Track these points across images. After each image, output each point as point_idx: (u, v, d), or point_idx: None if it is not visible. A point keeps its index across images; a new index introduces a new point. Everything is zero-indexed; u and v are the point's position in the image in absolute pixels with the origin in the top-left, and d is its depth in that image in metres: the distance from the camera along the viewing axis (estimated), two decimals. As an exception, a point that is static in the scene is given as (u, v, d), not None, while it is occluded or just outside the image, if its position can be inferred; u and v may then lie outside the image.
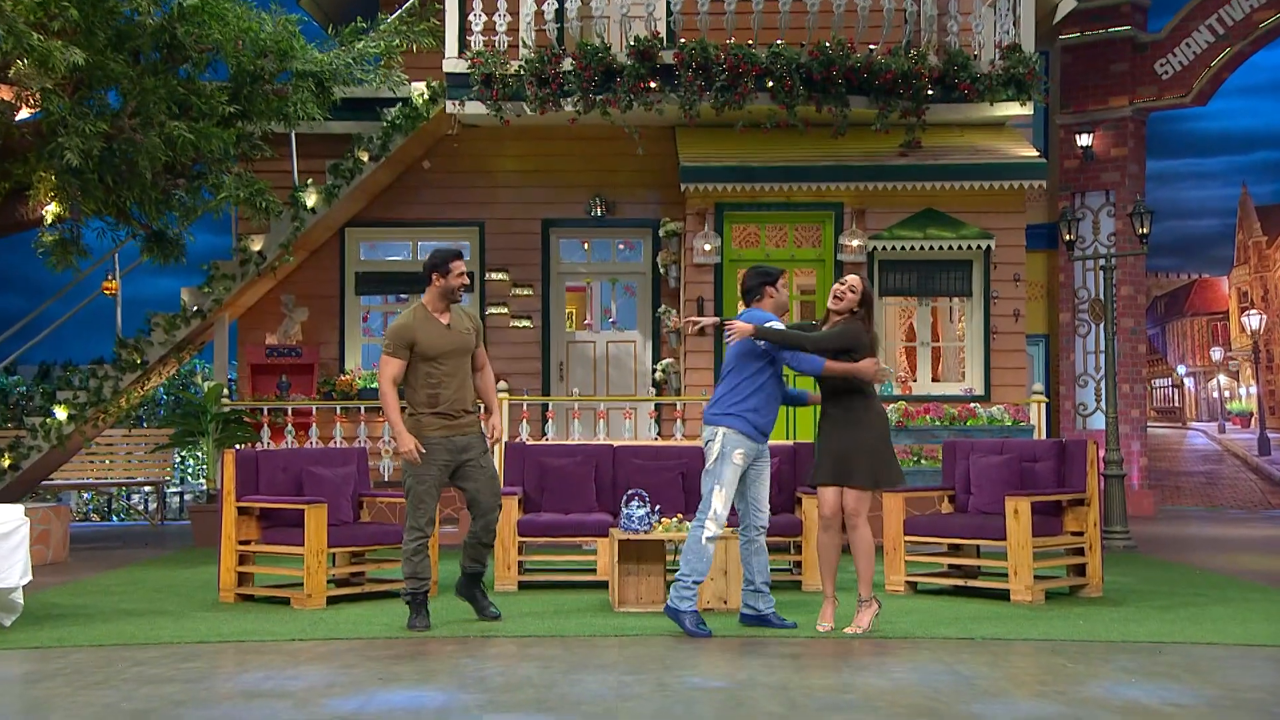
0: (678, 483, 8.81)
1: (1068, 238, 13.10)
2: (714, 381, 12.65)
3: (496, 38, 12.65)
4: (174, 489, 20.21)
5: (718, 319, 6.75)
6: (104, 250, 12.75)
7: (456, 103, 12.67)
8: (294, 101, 10.78)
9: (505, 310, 14.10)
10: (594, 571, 8.74)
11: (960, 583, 8.19)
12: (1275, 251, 27.57)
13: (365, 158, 13.15)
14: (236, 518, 8.01)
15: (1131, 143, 16.59)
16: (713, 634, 6.51)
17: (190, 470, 22.41)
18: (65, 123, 9.38)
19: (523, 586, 8.50)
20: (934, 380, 13.38)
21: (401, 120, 13.10)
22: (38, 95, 9.43)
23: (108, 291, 13.75)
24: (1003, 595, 7.85)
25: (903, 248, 12.79)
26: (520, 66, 12.53)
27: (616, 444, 9.81)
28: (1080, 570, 8.24)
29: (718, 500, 6.59)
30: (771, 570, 7.24)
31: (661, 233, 13.60)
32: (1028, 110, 13.01)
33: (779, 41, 12.53)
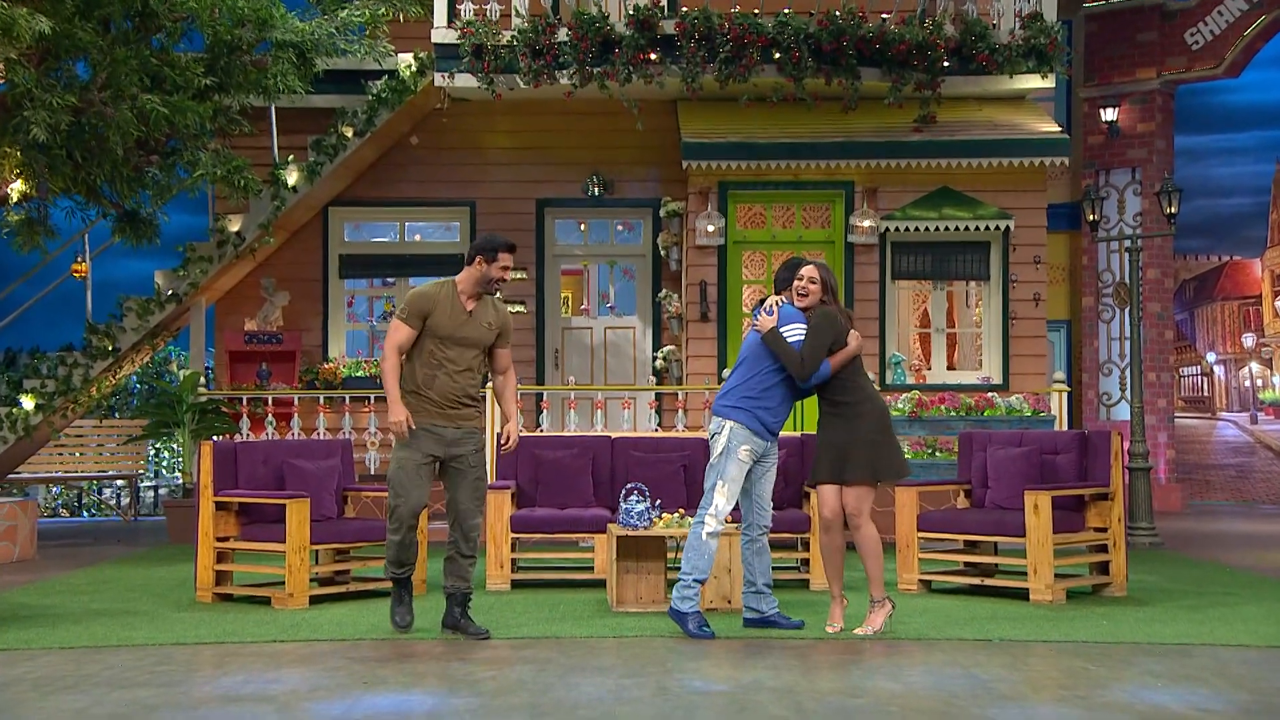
0: (679, 476, 8.83)
1: (1091, 218, 13.09)
2: (716, 370, 12.70)
3: (488, 6, 12.63)
4: (148, 483, 20.24)
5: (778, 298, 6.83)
6: (73, 231, 12.73)
7: (446, 75, 12.65)
8: (274, 73, 10.74)
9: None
10: (591, 569, 8.77)
11: (977, 581, 8.20)
12: (1310, 232, 27.57)
13: (349, 133, 13.14)
14: (214, 513, 8.02)
15: (1159, 117, 16.57)
16: (716, 635, 6.52)
17: (165, 463, 22.45)
18: (31, 95, 9.33)
19: (516, 585, 8.51)
20: (949, 369, 13.37)
21: (388, 94, 13.09)
22: (1, 66, 9.39)
23: (77, 274, 13.74)
24: (1021, 594, 7.86)
25: (916, 229, 12.78)
26: (513, 37, 12.52)
27: (615, 435, 9.82)
28: (1103, 568, 8.25)
29: (720, 496, 6.60)
30: (777, 568, 7.25)
31: (662, 213, 13.59)
32: (1049, 83, 12.97)
33: (786, 10, 12.51)
